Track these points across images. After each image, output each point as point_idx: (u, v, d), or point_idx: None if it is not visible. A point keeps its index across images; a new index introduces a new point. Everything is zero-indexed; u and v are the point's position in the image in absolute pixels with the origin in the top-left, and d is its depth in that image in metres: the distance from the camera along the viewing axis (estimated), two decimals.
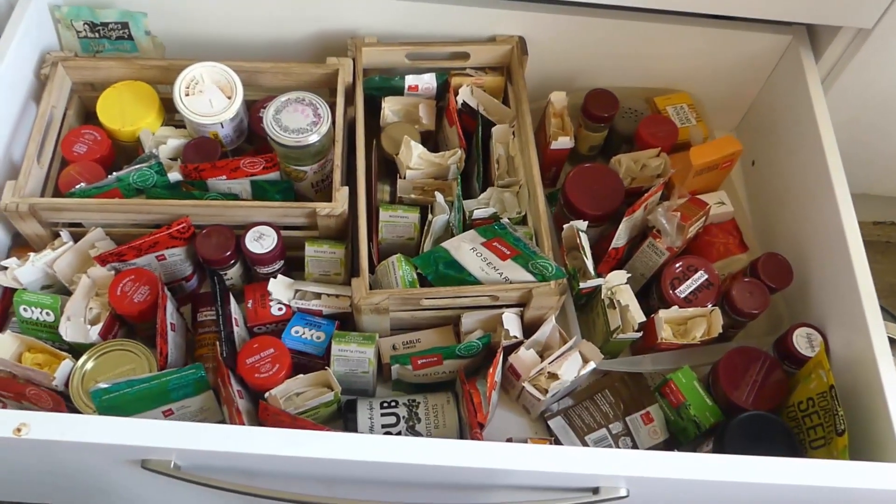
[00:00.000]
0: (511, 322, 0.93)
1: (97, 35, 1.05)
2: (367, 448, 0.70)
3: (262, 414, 0.86)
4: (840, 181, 0.97)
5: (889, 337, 0.88)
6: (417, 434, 0.91)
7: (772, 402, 0.92)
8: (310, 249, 0.96)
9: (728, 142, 1.08)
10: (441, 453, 0.70)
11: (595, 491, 0.73)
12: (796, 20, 1.05)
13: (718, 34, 1.10)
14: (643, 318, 0.94)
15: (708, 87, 1.18)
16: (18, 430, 0.68)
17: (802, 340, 0.94)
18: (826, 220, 0.97)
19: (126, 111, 1.00)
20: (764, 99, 1.19)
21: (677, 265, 0.98)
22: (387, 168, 1.05)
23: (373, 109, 1.06)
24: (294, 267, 0.99)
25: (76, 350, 0.92)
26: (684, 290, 0.97)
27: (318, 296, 0.95)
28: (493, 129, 1.04)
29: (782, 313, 1.04)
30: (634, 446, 0.96)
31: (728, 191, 1.13)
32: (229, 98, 0.97)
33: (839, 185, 0.96)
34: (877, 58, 1.05)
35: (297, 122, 0.92)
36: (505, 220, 0.95)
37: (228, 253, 0.93)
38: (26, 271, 0.93)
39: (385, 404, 0.93)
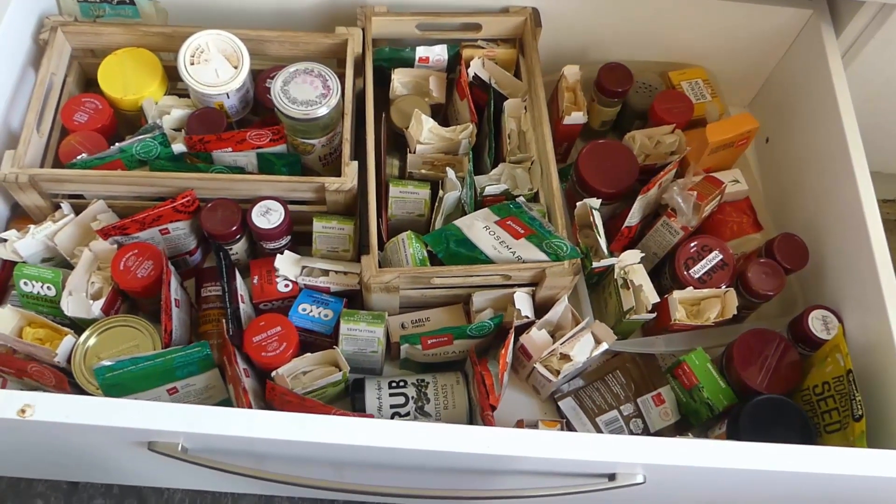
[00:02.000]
0: (523, 302, 0.91)
1: None
2: (379, 433, 0.69)
3: (269, 394, 0.85)
4: (860, 160, 0.95)
5: None
6: (427, 415, 0.90)
7: (786, 385, 0.90)
8: (318, 225, 0.94)
9: (744, 119, 1.06)
10: (455, 440, 0.69)
11: (611, 477, 0.72)
12: None
13: (737, 7, 1.07)
14: (657, 299, 0.93)
15: (723, 61, 1.16)
16: (23, 411, 0.66)
17: (818, 323, 0.93)
18: (843, 200, 0.95)
19: (128, 79, 0.97)
20: (780, 74, 1.17)
21: (692, 245, 0.97)
22: (395, 142, 1.03)
23: (381, 81, 1.03)
24: (301, 242, 0.97)
25: (78, 325, 0.90)
26: (698, 270, 0.96)
27: (325, 273, 0.93)
28: (505, 104, 1.01)
29: (796, 295, 1.03)
30: (645, 428, 0.95)
31: (742, 168, 1.11)
32: (235, 68, 0.95)
33: (858, 164, 0.95)
34: None
35: (306, 93, 0.90)
36: (520, 199, 0.93)
37: (234, 228, 0.91)
38: (26, 244, 0.91)
39: (393, 384, 0.92)
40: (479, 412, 0.89)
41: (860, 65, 1.07)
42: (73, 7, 1.03)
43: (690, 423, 0.96)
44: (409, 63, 1.04)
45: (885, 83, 1.11)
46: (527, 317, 0.91)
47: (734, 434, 0.87)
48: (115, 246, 0.91)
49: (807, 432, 0.86)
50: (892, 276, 0.87)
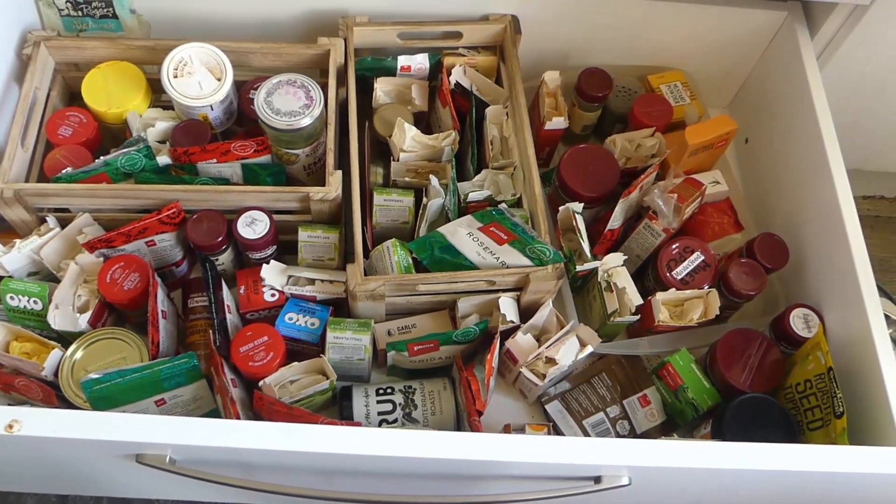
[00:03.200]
0: (508, 306, 0.92)
1: (80, 13, 1.03)
2: (367, 442, 0.69)
3: (257, 404, 0.85)
4: (836, 158, 0.96)
5: (884, 314, 0.88)
6: (414, 421, 0.91)
7: (769, 383, 0.91)
8: (303, 234, 0.95)
9: (723, 121, 1.07)
10: (443, 446, 0.70)
11: (597, 480, 0.72)
12: None
13: (713, 11, 1.08)
14: (640, 301, 0.94)
15: (702, 64, 1.17)
16: (10, 426, 0.66)
17: (799, 321, 0.94)
18: (821, 198, 0.97)
19: (112, 92, 0.98)
20: (758, 76, 1.18)
21: (673, 246, 0.98)
22: (379, 150, 1.04)
23: (364, 90, 1.04)
24: (287, 251, 0.98)
25: (65, 339, 0.90)
26: (681, 271, 0.97)
27: (311, 282, 0.93)
28: (487, 110, 1.02)
29: (778, 294, 1.04)
30: (632, 429, 0.96)
31: (722, 169, 1.13)
32: (219, 80, 0.95)
33: (835, 162, 0.96)
34: (873, 34, 1.04)
35: (289, 104, 0.91)
36: (503, 206, 0.94)
37: (220, 238, 0.92)
38: (12, 258, 0.91)
39: (381, 391, 0.92)
40: (466, 417, 0.90)
41: (836, 65, 1.09)
42: (56, 22, 1.03)
43: (676, 423, 0.97)
44: (391, 72, 1.05)
45: (861, 82, 1.12)
46: (512, 321, 0.92)
47: (719, 433, 0.88)
48: (102, 259, 0.92)
49: (790, 430, 0.88)
50: (869, 273, 0.89)
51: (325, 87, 0.96)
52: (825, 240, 0.96)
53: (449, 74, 1.03)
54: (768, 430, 0.87)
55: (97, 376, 0.81)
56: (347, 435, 0.69)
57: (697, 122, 1.09)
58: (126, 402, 0.85)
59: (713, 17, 1.09)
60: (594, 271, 0.97)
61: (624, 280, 0.95)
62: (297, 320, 0.92)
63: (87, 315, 0.89)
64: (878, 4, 0.99)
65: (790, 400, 0.92)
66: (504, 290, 0.92)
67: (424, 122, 1.07)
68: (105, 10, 1.03)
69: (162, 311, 0.90)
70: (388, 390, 0.92)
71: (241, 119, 1.03)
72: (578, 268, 0.95)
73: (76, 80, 1.00)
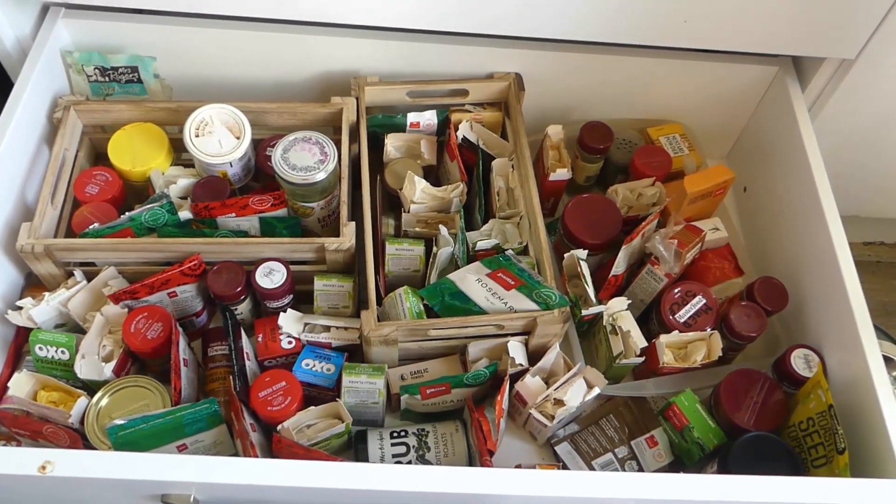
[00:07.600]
0: (516, 350, 0.95)
1: (107, 79, 1.08)
2: (384, 478, 0.72)
3: (276, 446, 0.88)
4: (830, 205, 1.00)
5: (884, 355, 0.91)
6: (427, 463, 0.93)
7: (773, 422, 0.94)
8: (318, 283, 0.98)
9: (720, 170, 1.11)
10: (455, 481, 0.72)
11: None
12: (782, 53, 1.09)
13: (708, 67, 1.13)
14: (645, 344, 0.97)
15: (699, 116, 1.22)
16: (43, 467, 0.70)
17: (800, 361, 0.96)
18: (818, 243, 1.00)
19: (136, 152, 1.02)
20: (753, 127, 1.23)
21: (676, 291, 1.01)
22: (390, 202, 1.08)
23: (375, 146, 1.09)
24: (303, 300, 1.01)
25: (90, 387, 0.93)
26: (683, 314, 1.00)
27: (327, 329, 0.97)
28: (493, 163, 1.07)
29: (779, 335, 1.07)
30: (640, 470, 0.98)
31: (722, 217, 1.16)
32: (238, 138, 1.00)
33: (829, 209, 1.00)
34: (861, 86, 1.09)
35: (305, 160, 0.95)
36: (509, 252, 0.97)
37: (239, 289, 0.95)
38: (41, 311, 0.94)
39: (395, 434, 0.95)
40: (478, 458, 0.92)
41: (827, 116, 1.13)
42: (85, 87, 1.09)
43: (684, 463, 0.99)
44: (401, 128, 1.10)
45: (852, 132, 1.16)
46: (521, 364, 0.95)
47: (725, 472, 0.90)
48: (126, 310, 0.95)
49: (795, 467, 0.89)
50: (866, 314, 0.91)
51: (338, 144, 1.00)
52: (822, 282, 0.99)
53: (456, 130, 1.08)
54: (773, 467, 0.89)
55: (122, 422, 0.84)
56: (365, 471, 0.72)
57: (696, 172, 1.13)
58: (149, 447, 0.87)
59: (708, 72, 1.14)
60: (599, 315, 1.00)
61: (628, 323, 0.98)
62: (314, 366, 0.95)
63: (112, 364, 0.92)
64: (864, 59, 1.04)
65: (794, 438, 0.94)
66: (512, 334, 0.96)
67: (433, 176, 1.11)
68: (130, 76, 1.09)
69: (184, 359, 0.94)
70: (402, 433, 0.95)
71: (259, 175, 1.07)
72: (584, 312, 0.98)
73: (102, 141, 1.04)
